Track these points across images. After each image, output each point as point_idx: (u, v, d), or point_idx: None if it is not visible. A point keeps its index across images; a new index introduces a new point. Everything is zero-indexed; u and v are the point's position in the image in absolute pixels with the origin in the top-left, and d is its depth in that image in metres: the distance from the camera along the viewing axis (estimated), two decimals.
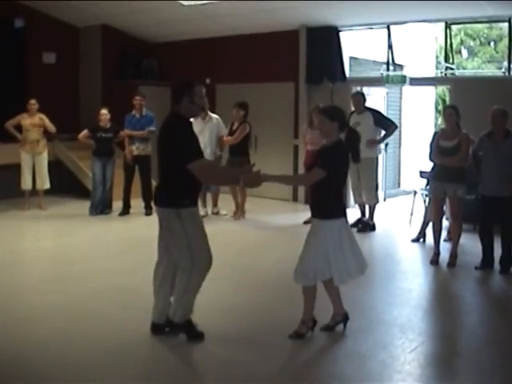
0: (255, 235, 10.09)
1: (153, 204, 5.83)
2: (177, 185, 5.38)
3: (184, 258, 5.41)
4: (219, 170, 5.14)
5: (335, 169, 5.43)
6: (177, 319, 5.54)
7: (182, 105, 5.40)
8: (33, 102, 11.60)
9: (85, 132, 11.36)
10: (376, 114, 10.43)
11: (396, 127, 10.62)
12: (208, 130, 10.93)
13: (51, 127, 11.74)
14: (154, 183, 11.18)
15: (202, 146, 10.89)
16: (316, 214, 5.61)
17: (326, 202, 5.51)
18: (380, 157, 11.01)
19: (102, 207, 11.40)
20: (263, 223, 10.91)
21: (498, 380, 4.98)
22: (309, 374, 5.05)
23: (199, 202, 5.77)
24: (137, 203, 11.35)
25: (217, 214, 11.45)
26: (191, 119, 5.57)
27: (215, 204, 11.57)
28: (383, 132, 10.40)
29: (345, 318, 5.83)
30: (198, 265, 5.41)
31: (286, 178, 5.93)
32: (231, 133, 10.99)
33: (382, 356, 5.33)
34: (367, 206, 10.55)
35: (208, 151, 11.03)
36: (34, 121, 11.56)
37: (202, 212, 10.04)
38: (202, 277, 5.50)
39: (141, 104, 11.22)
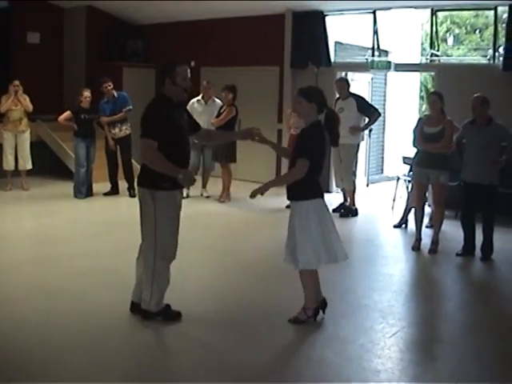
0: (238, 218, 10.09)
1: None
2: None
3: (147, 243, 5.37)
4: (164, 160, 5.07)
5: (314, 153, 5.40)
6: (152, 308, 5.48)
7: (165, 87, 5.35)
8: (16, 83, 11.49)
9: (67, 113, 11.18)
10: (360, 100, 10.39)
11: (379, 115, 10.60)
12: (207, 113, 11.17)
13: (28, 106, 11.60)
14: (134, 162, 11.19)
15: None
16: (292, 195, 5.51)
17: (301, 184, 5.40)
18: (362, 143, 10.99)
19: (86, 190, 11.28)
20: (247, 206, 10.82)
21: (476, 365, 5.01)
22: (288, 358, 5.07)
23: None
24: (121, 185, 11.31)
25: (208, 197, 11.46)
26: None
27: (204, 186, 11.58)
28: (367, 119, 10.39)
29: (321, 306, 5.69)
30: (160, 252, 5.33)
31: (277, 181, 5.88)
32: (218, 115, 11.00)
33: (362, 340, 5.35)
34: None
35: None
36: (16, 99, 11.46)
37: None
38: (165, 265, 5.43)
39: (108, 89, 11.17)
